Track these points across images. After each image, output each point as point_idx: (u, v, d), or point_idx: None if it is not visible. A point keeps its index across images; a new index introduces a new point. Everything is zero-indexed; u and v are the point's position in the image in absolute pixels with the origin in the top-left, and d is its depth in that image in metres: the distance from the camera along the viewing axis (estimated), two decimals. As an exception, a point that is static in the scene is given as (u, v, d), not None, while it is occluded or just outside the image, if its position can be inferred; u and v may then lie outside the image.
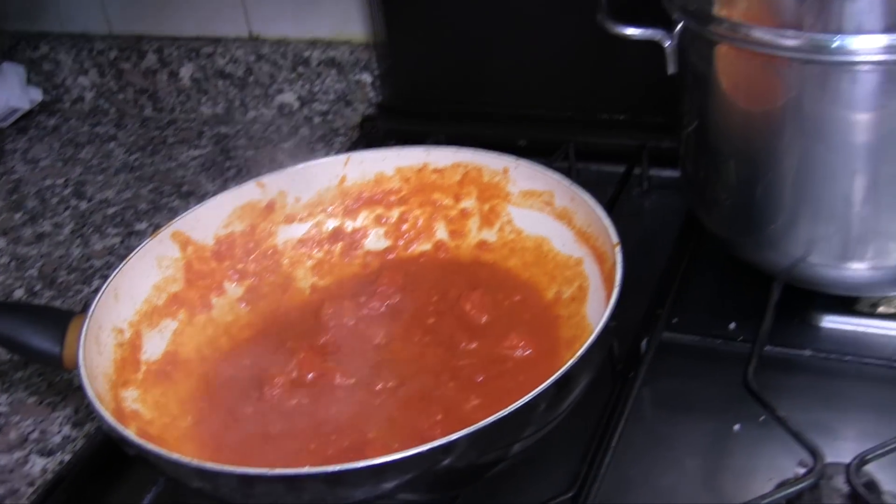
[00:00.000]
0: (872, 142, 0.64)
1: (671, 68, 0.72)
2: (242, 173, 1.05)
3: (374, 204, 0.79)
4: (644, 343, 0.72)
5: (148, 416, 0.66)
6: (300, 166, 0.78)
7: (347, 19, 1.05)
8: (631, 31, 0.72)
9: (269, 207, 0.77)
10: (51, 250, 0.98)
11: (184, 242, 0.74)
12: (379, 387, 0.67)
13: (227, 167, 1.07)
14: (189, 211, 0.75)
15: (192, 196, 1.02)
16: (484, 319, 0.71)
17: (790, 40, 0.62)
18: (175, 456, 0.56)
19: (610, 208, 0.85)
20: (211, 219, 0.75)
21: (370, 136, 1.03)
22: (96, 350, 0.65)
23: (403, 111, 1.04)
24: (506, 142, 0.99)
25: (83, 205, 1.05)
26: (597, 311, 0.66)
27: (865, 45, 0.61)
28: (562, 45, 0.95)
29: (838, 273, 0.70)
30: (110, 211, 1.03)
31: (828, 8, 0.61)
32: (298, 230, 0.78)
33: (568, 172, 0.94)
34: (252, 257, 0.77)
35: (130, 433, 0.58)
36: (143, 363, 0.69)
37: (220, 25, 1.12)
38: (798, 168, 0.67)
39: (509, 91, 0.99)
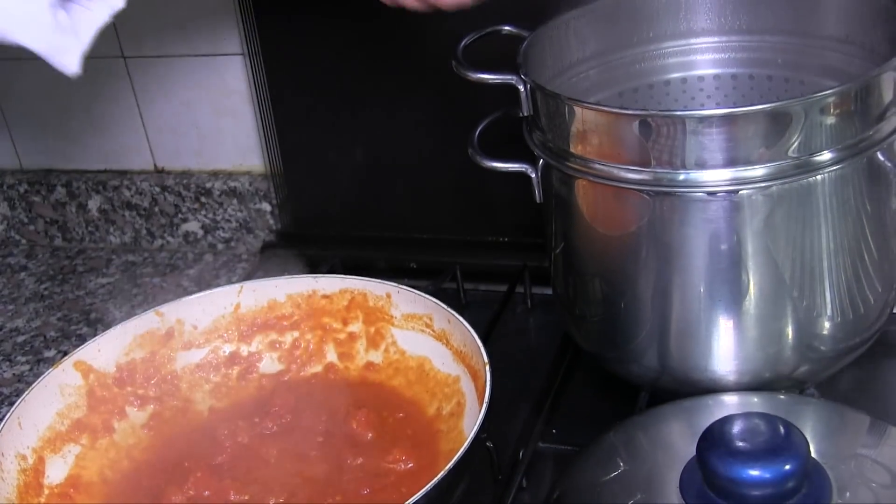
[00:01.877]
0: (718, 263, 0.72)
1: (538, 197, 0.79)
2: (149, 300, 1.09)
3: (267, 329, 0.84)
4: (521, 453, 0.77)
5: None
6: (197, 295, 0.84)
7: (247, 152, 1.12)
8: (499, 165, 0.79)
9: (168, 335, 0.82)
10: (-41, 380, 1.01)
11: (86, 371, 0.78)
12: (271, 502, 0.72)
13: (135, 294, 1.11)
14: (91, 341, 0.79)
15: (100, 323, 1.06)
16: (369, 436, 0.76)
17: (639, 175, 0.70)
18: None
19: (491, 327, 0.92)
20: (112, 347, 0.80)
21: (270, 262, 1.09)
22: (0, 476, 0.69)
23: (301, 237, 1.10)
24: (397, 264, 1.06)
25: (-8, 334, 1.08)
26: (472, 426, 0.71)
27: (709, 178, 0.68)
28: (447, 174, 1.02)
29: (700, 379, 0.76)
30: (20, 339, 1.06)
31: (671, 146, 0.69)
32: (196, 356, 0.83)
33: (456, 293, 1.01)
34: (152, 382, 0.81)
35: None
36: (45, 487, 0.72)
37: (127, 159, 1.18)
38: (654, 288, 0.74)
39: (399, 216, 1.06)
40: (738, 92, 0.87)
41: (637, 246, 0.73)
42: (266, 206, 1.12)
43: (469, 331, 0.74)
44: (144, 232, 1.19)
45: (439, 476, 0.62)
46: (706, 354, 0.75)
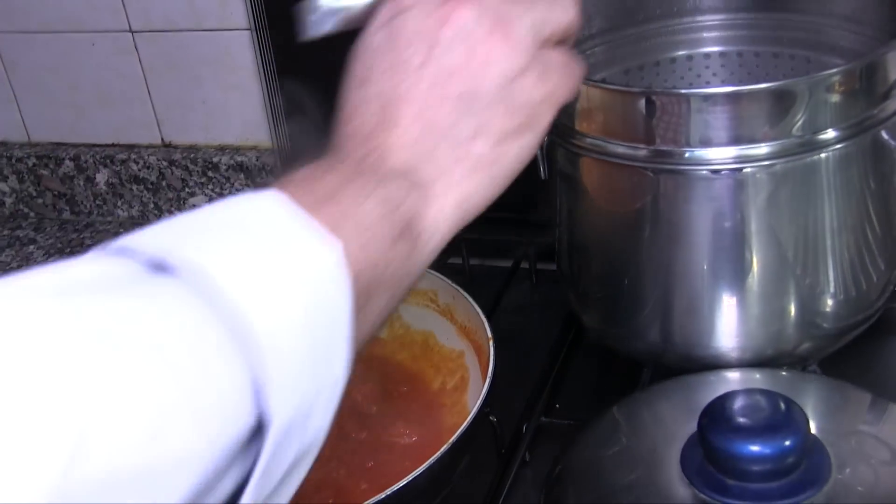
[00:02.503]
0: (722, 241, 0.72)
1: (543, 174, 0.79)
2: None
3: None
4: (524, 427, 0.78)
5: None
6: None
7: (254, 127, 1.12)
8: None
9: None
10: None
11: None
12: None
13: (142, 268, 1.12)
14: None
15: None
16: (374, 409, 0.77)
17: (643, 152, 0.70)
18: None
19: (496, 303, 0.92)
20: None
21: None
22: None
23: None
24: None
25: (1, 307, 1.09)
26: (476, 401, 0.72)
27: (713, 156, 0.69)
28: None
29: (703, 356, 0.77)
30: (27, 312, 1.07)
31: (675, 124, 0.69)
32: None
33: (461, 268, 1.01)
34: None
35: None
36: None
37: (134, 133, 1.18)
38: (657, 265, 0.74)
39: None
40: (743, 70, 0.87)
41: (641, 223, 0.74)
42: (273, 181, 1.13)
43: (473, 306, 0.75)
44: (152, 206, 1.19)
45: (442, 450, 0.63)
46: (709, 331, 0.75)
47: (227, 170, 1.14)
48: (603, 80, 0.82)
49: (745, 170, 0.69)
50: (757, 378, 0.75)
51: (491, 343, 0.71)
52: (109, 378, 0.34)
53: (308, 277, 0.40)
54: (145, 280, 0.38)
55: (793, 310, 0.75)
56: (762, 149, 0.68)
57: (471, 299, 0.75)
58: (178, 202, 1.18)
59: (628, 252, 0.76)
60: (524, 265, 0.99)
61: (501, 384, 0.85)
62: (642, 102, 0.68)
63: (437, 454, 0.63)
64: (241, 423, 0.37)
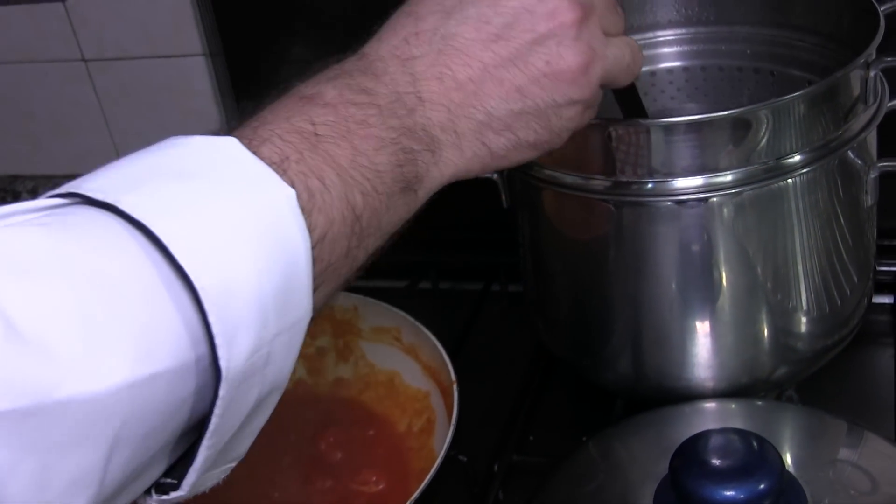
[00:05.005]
0: (689, 270, 0.70)
1: (504, 202, 0.77)
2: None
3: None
4: (496, 466, 0.76)
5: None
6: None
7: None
8: (462, 171, 0.77)
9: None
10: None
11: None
12: (240, 530, 0.70)
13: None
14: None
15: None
16: (338, 456, 0.74)
17: (604, 184, 0.67)
18: None
19: (466, 331, 0.90)
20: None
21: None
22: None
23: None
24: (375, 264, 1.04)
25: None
26: (443, 443, 0.69)
27: (678, 186, 0.66)
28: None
29: (675, 387, 0.75)
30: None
31: (635, 155, 0.67)
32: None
33: (430, 292, 0.99)
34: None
35: None
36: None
37: (93, 162, 1.14)
38: (625, 296, 0.72)
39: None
40: (708, 84, 0.85)
41: (604, 254, 0.71)
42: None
43: (437, 346, 0.72)
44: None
45: (411, 500, 0.61)
46: (681, 362, 0.73)
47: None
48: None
49: (711, 199, 0.67)
50: (732, 409, 0.73)
51: (455, 386, 0.69)
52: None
53: (258, 222, 0.40)
54: (84, 216, 0.38)
55: (766, 336, 0.72)
56: (727, 177, 0.66)
57: (434, 339, 0.73)
58: (141, 232, 1.15)
59: (593, 282, 0.74)
60: (495, 287, 0.96)
61: (472, 419, 0.83)
62: (600, 133, 0.66)
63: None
64: (180, 358, 0.37)
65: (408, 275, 1.00)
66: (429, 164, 0.49)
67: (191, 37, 1.04)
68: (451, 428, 0.66)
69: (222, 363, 0.37)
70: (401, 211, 0.49)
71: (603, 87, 0.56)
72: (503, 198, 0.76)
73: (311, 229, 0.41)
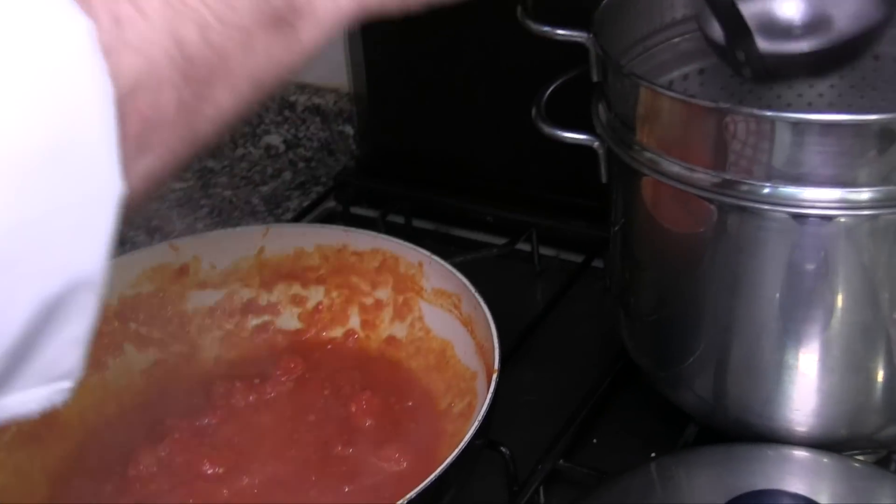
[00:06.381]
0: (796, 296, 0.59)
1: (603, 176, 0.67)
2: (213, 214, 1.03)
3: (291, 279, 0.76)
4: (539, 466, 0.68)
5: (1, 481, 0.64)
6: (217, 232, 0.76)
7: (336, 69, 1.02)
8: (564, 135, 0.67)
9: (182, 271, 0.75)
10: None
11: (84, 300, 0.72)
12: (245, 481, 0.65)
13: (202, 205, 1.05)
14: (93, 269, 0.73)
15: (159, 232, 1.01)
16: (367, 423, 0.67)
17: (710, 179, 0.57)
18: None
19: (551, 307, 0.81)
20: (118, 278, 0.73)
21: (341, 191, 1.00)
22: (-43, 410, 0.63)
23: (378, 170, 1.01)
24: (473, 216, 0.96)
25: (54, 227, 1.04)
26: (480, 434, 0.62)
27: (799, 197, 0.55)
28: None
29: (759, 423, 0.64)
30: (76, 237, 1.02)
31: (753, 151, 0.56)
32: (210, 298, 0.76)
33: (530, 256, 0.90)
34: (158, 321, 0.75)
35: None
36: (13, 423, 0.67)
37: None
38: (716, 309, 0.62)
39: (483, 165, 0.95)
40: (879, 76, 0.71)
41: (700, 259, 0.61)
42: (349, 130, 1.03)
43: (490, 325, 0.64)
44: (227, 139, 1.12)
45: (419, 488, 0.54)
46: (769, 397, 0.63)
47: (303, 111, 1.05)
48: (670, 84, 0.69)
49: (838, 218, 0.56)
50: (823, 464, 0.62)
51: (496, 376, 0.60)
52: None
53: (28, 62, 0.31)
54: None
55: (880, 385, 0.61)
56: (864, 194, 0.55)
57: (489, 315, 0.64)
58: (253, 139, 1.10)
59: (683, 287, 0.64)
60: (598, 263, 0.87)
61: (528, 409, 0.75)
62: (714, 119, 0.55)
63: (414, 491, 0.54)
64: None
65: (508, 234, 0.91)
66: None
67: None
68: (482, 415, 0.58)
69: None
70: (276, 53, 0.40)
71: None
72: (601, 171, 0.66)
73: (117, 73, 0.33)
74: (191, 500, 0.63)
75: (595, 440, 0.73)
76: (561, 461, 0.68)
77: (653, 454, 0.69)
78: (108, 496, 0.64)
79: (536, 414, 0.75)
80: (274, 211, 1.03)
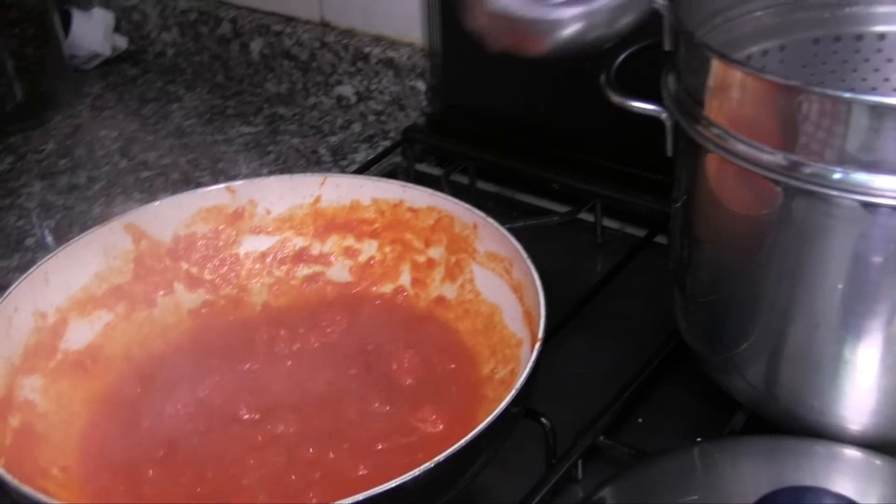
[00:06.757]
0: (861, 289, 0.56)
1: (669, 149, 0.65)
2: (279, 161, 1.03)
3: (345, 230, 0.75)
4: (577, 441, 0.66)
5: (43, 408, 0.65)
6: (276, 178, 0.76)
7: (411, 22, 1.01)
8: (631, 103, 0.65)
9: (237, 215, 0.75)
10: (75, 204, 0.99)
11: (138, 235, 0.72)
12: (280, 429, 0.64)
13: (269, 151, 1.05)
14: (149, 204, 0.73)
15: (224, 175, 1.01)
16: (407, 382, 0.66)
17: (776, 160, 0.54)
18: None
19: (607, 280, 0.79)
20: (172, 216, 0.73)
21: (408, 147, 0.99)
22: (3, 332, 0.64)
23: (447, 128, 1.00)
24: (539, 182, 0.94)
25: (123, 163, 1.04)
26: (520, 402, 0.60)
27: (872, 185, 0.53)
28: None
29: (809, 417, 0.62)
30: (144, 175, 1.02)
31: (825, 133, 0.53)
32: (264, 243, 0.75)
33: (593, 227, 0.88)
34: (209, 262, 0.74)
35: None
36: (60, 351, 0.67)
37: (294, 5, 1.10)
38: (774, 293, 0.60)
39: (553, 131, 0.93)
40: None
41: (762, 242, 0.59)
42: (421, 85, 1.02)
43: (539, 293, 0.62)
44: (300, 86, 1.11)
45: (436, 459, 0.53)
46: (823, 391, 0.60)
47: (376, 63, 1.04)
48: (748, 59, 0.66)
49: (916, 210, 0.53)
50: (875, 465, 0.60)
51: (538, 345, 0.59)
52: None
53: None
54: None
55: (944, 390, 0.58)
56: (946, 186, 0.52)
57: (538, 283, 0.62)
58: (326, 88, 1.09)
59: (741, 269, 0.61)
60: (661, 239, 0.84)
61: (576, 383, 0.74)
62: (787, 98, 0.53)
63: (443, 454, 0.53)
64: None
65: (572, 203, 0.89)
66: None
67: None
68: (520, 382, 0.56)
69: None
70: None
71: None
72: (668, 144, 0.64)
73: None
74: (224, 444, 0.63)
75: (640, 420, 0.72)
76: (601, 438, 0.67)
77: (698, 439, 0.68)
78: (143, 431, 0.64)
79: (583, 388, 0.73)
80: (340, 162, 1.02)
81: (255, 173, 1.00)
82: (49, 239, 0.94)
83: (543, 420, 0.66)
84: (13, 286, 0.66)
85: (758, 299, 0.60)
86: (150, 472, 0.62)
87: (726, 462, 0.63)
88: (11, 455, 0.60)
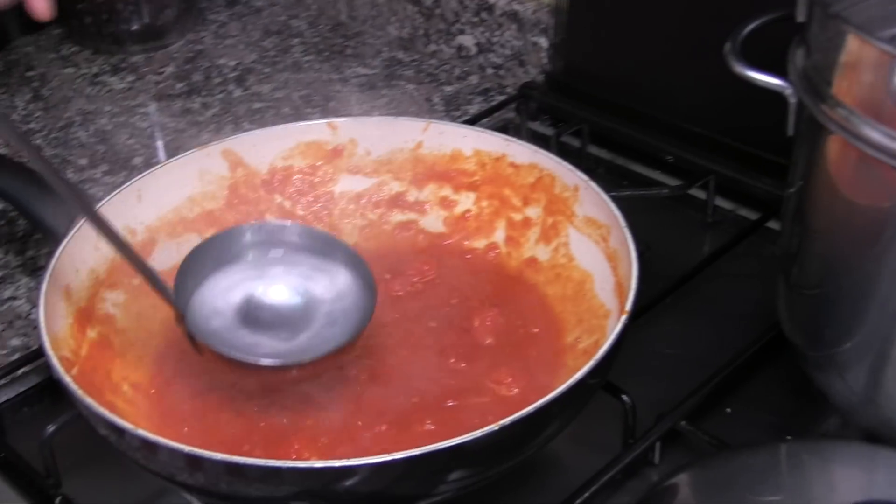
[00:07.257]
0: None
1: (790, 128, 0.61)
2: (391, 105, 1.01)
3: (444, 180, 0.73)
4: (656, 423, 0.63)
5: (122, 323, 0.65)
6: (378, 118, 0.74)
7: (540, -24, 0.98)
8: (754, 75, 0.61)
9: (336, 152, 0.73)
10: (186, 128, 0.99)
11: (234, 162, 0.71)
12: (352, 373, 0.63)
13: (382, 94, 1.03)
14: (248, 133, 0.72)
15: (335, 114, 0.99)
16: (487, 341, 0.64)
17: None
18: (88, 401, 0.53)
19: (711, 261, 0.76)
20: (271, 147, 0.72)
21: (523, 103, 0.96)
22: (92, 244, 0.64)
23: (565, 88, 0.96)
24: (655, 152, 0.91)
25: (237, 92, 1.04)
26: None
27: None
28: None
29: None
30: (256, 105, 1.02)
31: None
32: (360, 184, 0.74)
33: (704, 205, 0.85)
34: (303, 198, 0.73)
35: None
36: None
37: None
38: (888, 293, 0.55)
39: (673, 101, 0.89)
40: None
41: (880, 236, 0.54)
42: (543, 42, 0.99)
43: (633, 264, 0.59)
44: (422, 32, 1.09)
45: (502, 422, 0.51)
46: (928, 402, 0.56)
47: (500, 15, 1.01)
48: (893, 39, 0.61)
49: None
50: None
51: (623, 319, 0.56)
52: None
53: None
54: None
55: None
56: None
57: (634, 255, 0.59)
58: (447, 36, 1.07)
59: (855, 264, 0.57)
60: (773, 225, 0.80)
61: (668, 362, 0.71)
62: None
63: (510, 417, 0.51)
64: None
65: (685, 177, 0.86)
66: None
67: None
68: (601, 354, 0.54)
69: None
70: None
71: None
72: (789, 123, 0.60)
73: None
74: (294, 382, 0.62)
75: (728, 410, 0.68)
76: (684, 423, 0.64)
77: (787, 438, 0.64)
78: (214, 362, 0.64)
79: (671, 369, 0.70)
80: (452, 113, 1.00)
81: (366, 115, 0.99)
82: (156, 160, 0.94)
83: (625, 397, 0.63)
84: (105, 199, 0.66)
85: (868, 297, 0.56)
86: (213, 403, 0.61)
87: (815, 465, 0.59)
88: (85, 365, 0.60)
